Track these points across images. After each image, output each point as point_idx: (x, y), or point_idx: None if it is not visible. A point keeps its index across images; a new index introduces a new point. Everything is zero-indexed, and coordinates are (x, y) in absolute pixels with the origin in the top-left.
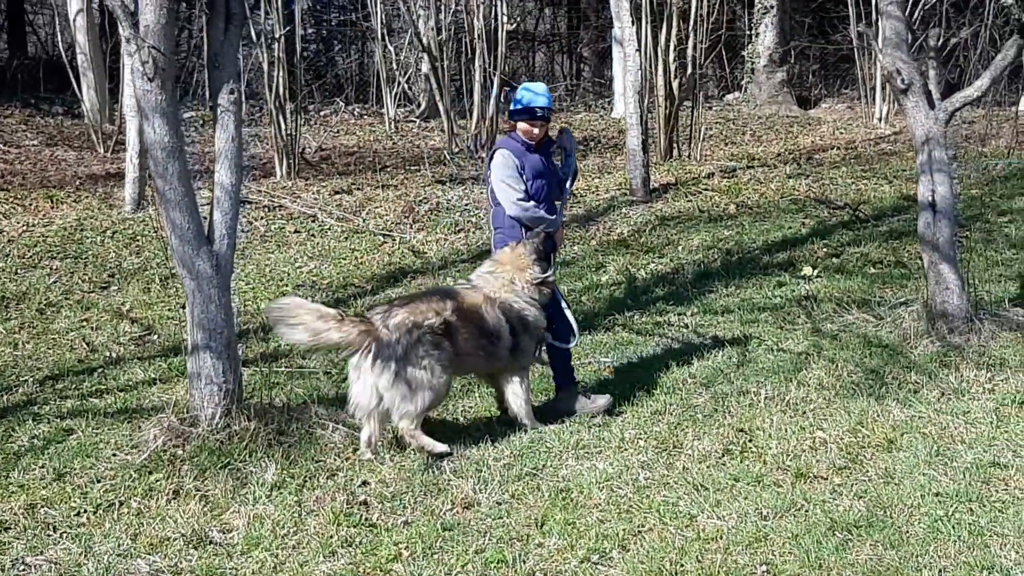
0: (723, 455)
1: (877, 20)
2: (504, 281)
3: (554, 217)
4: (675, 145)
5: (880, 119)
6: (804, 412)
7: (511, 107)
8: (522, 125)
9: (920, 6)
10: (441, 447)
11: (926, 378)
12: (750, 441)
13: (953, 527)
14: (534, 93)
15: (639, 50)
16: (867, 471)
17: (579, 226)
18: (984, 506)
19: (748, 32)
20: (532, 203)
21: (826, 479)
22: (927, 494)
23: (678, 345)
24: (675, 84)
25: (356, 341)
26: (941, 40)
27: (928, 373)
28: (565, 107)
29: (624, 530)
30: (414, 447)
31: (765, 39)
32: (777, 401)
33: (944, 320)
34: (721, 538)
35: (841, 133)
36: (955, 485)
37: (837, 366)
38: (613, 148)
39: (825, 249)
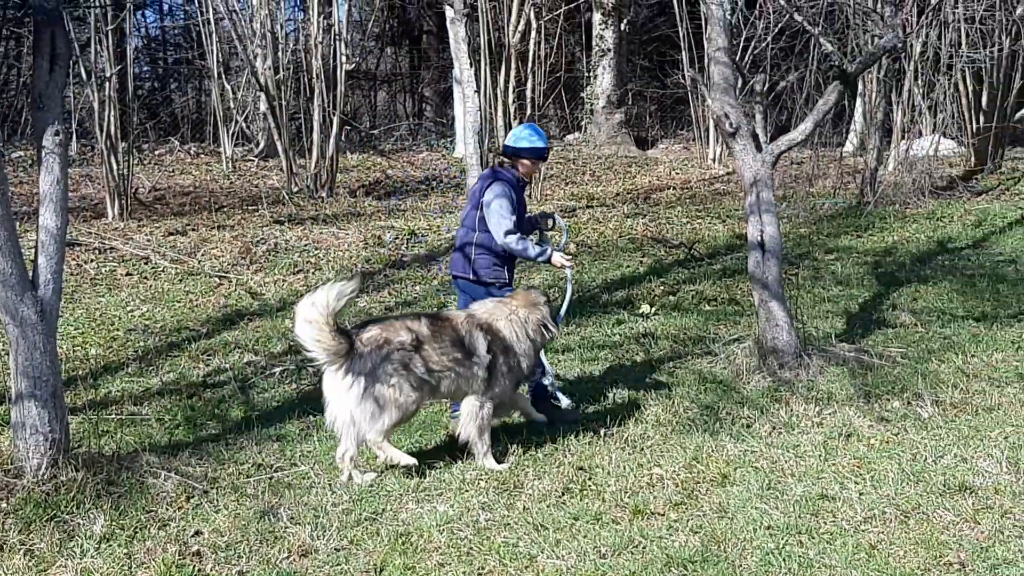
0: (563, 494)
1: (707, 65)
2: (505, 310)
3: (536, 253)
4: None
5: (714, 159)
6: (642, 449)
7: (513, 144)
8: (526, 163)
9: (749, 51)
10: (408, 460)
11: (758, 413)
12: (589, 479)
13: (784, 559)
14: (540, 136)
15: (478, 91)
16: (702, 506)
17: (420, 266)
18: (813, 538)
19: (587, 74)
20: (518, 236)
21: (663, 515)
22: (759, 527)
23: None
24: (515, 125)
25: (339, 352)
26: (767, 85)
27: (760, 408)
28: (408, 146)
29: (464, 573)
30: (380, 459)
31: (603, 81)
32: (616, 438)
33: (775, 356)
34: None
35: (677, 173)
36: (786, 518)
37: (674, 402)
38: (455, 187)
39: (662, 287)
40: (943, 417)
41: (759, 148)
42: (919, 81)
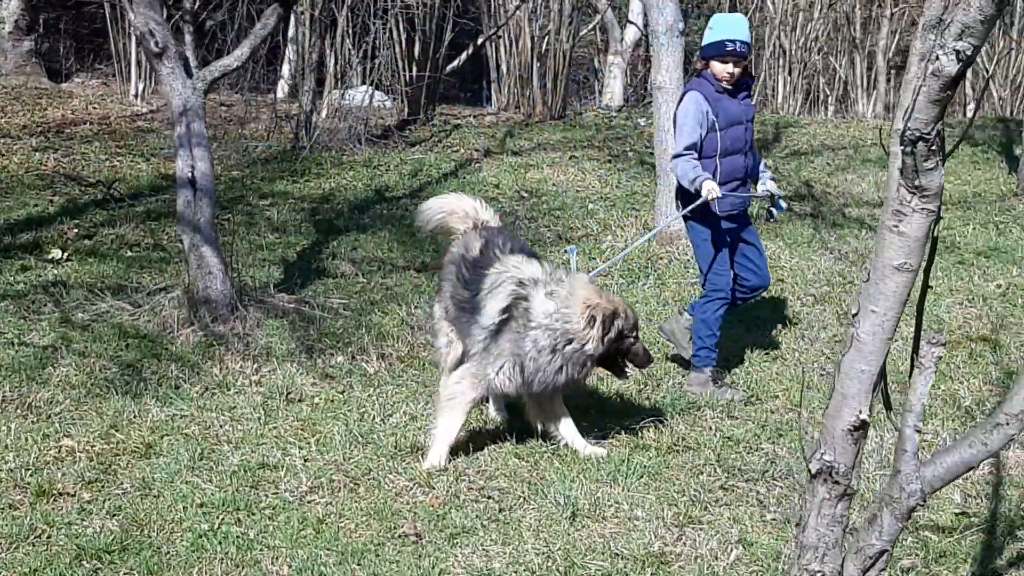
0: None
1: None
2: (561, 302)
3: (691, 179)
4: None
5: (137, 96)
6: (49, 416)
7: (703, 42)
8: (716, 65)
9: None
10: None
11: (188, 371)
12: None
13: (219, 542)
14: (729, 25)
15: None
16: (122, 483)
17: None
18: (253, 514)
19: None
20: (695, 164)
21: (74, 496)
22: (190, 505)
23: None
24: None
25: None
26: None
27: (191, 366)
28: None
29: None
30: None
31: (10, 4)
32: (18, 404)
33: (207, 307)
34: None
35: (95, 108)
36: (221, 493)
37: (89, 361)
38: None
39: (76, 230)
40: (390, 372)
41: (189, 73)
42: (352, 26)
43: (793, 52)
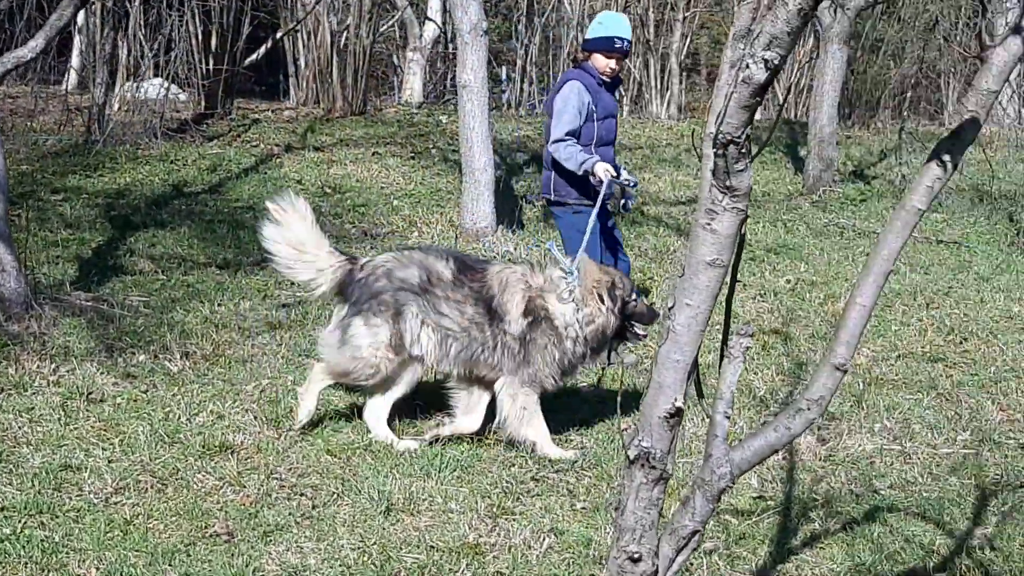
0: None
1: None
2: (568, 291)
3: (580, 160)
4: None
5: None
6: None
7: (587, 35)
8: (599, 58)
9: None
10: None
11: None
12: None
13: (23, 546)
14: (618, 23)
15: None
16: None
17: None
18: (57, 517)
19: None
20: (580, 148)
21: None
22: None
23: None
24: None
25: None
26: None
27: None
28: None
29: None
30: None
31: None
32: None
33: (1, 306)
34: None
35: None
36: (23, 496)
37: None
38: None
39: None
40: (195, 371)
41: None
42: (146, 18)
43: None
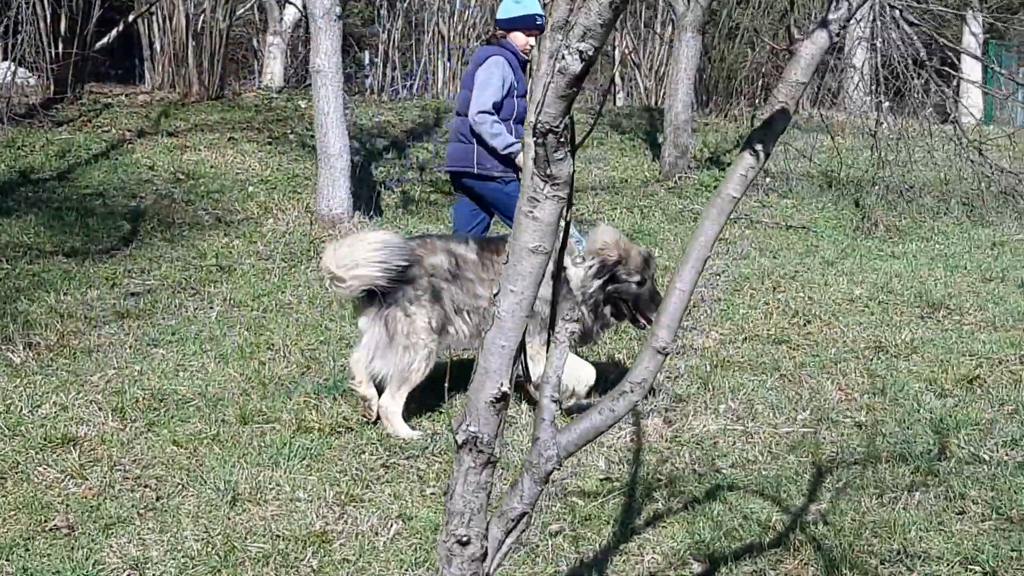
0: None
1: None
2: (580, 256)
3: (506, 143)
4: None
5: None
6: None
7: (504, 15)
8: (519, 36)
9: None
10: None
11: None
12: None
13: None
14: (532, 1)
15: None
16: None
17: None
18: None
19: None
20: (494, 118)
21: None
22: None
23: None
24: None
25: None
26: None
27: None
28: None
29: None
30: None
31: None
32: None
33: None
34: None
35: None
36: None
37: None
38: None
39: None
40: (38, 362)
41: None
42: None
43: (452, 39)
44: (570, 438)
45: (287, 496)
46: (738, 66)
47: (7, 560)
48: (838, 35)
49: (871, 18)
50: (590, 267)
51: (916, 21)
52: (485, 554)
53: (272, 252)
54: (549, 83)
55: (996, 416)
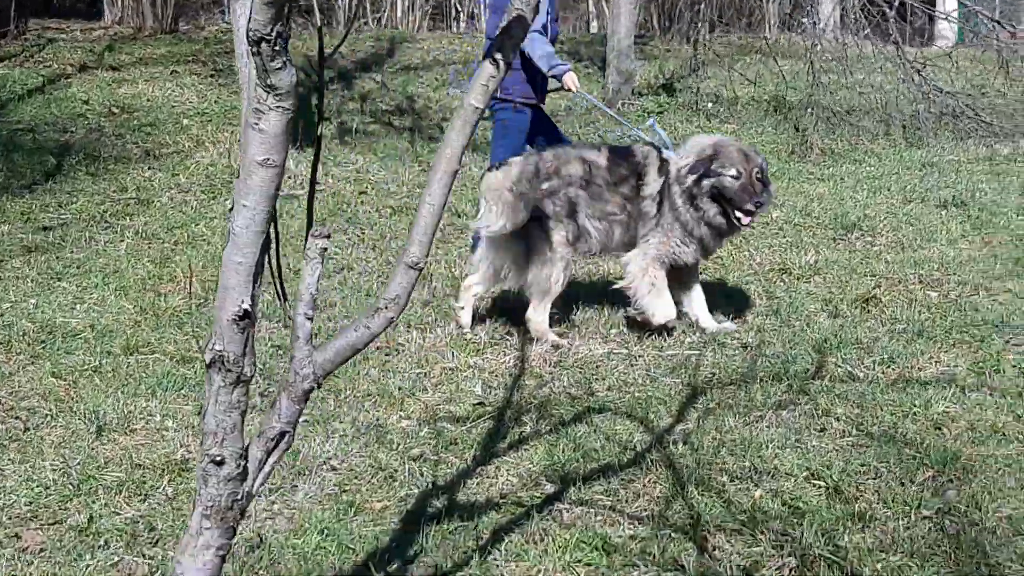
0: None
1: None
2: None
3: (553, 63)
4: None
5: None
6: None
7: None
8: None
9: None
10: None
11: None
12: None
13: None
14: None
15: None
16: None
17: None
18: None
19: None
20: (540, 36)
21: None
22: None
23: None
24: None
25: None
26: None
27: None
28: None
29: None
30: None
31: None
32: None
33: None
34: None
35: None
36: None
37: None
38: None
39: None
40: None
41: None
42: None
43: None
44: (327, 356)
45: (156, 426)
46: None
47: None
48: None
49: None
50: (686, 164)
51: None
52: (244, 474)
53: (191, 184)
54: None
55: (881, 335)
